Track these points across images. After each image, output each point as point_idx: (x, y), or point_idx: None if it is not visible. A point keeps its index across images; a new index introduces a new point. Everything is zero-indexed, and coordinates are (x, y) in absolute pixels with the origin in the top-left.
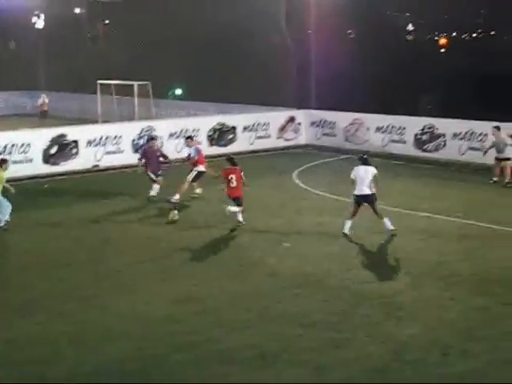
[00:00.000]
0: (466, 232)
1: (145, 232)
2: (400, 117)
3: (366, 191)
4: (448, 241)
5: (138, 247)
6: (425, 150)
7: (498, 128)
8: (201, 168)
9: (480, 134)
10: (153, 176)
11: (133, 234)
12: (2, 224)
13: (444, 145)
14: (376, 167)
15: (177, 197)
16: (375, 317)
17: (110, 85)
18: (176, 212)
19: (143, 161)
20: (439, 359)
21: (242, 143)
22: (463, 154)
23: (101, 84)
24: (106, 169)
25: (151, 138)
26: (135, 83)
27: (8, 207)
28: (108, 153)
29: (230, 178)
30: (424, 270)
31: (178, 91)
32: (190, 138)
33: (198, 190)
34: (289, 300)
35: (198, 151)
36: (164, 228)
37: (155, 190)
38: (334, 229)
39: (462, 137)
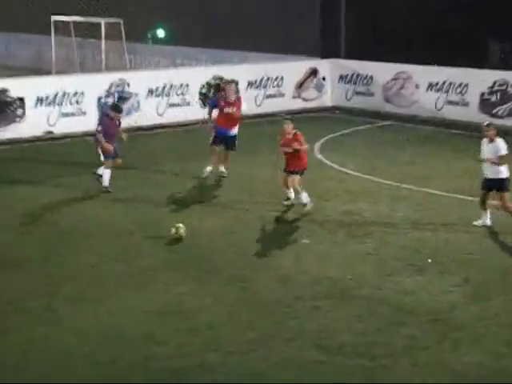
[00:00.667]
0: None
1: (113, 221)
2: (461, 70)
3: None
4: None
5: (104, 242)
6: (494, 115)
7: None
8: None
9: None
10: (106, 157)
11: (97, 223)
12: None
13: None
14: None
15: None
16: (423, 339)
17: (68, 22)
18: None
19: (100, 128)
20: None
21: (245, 103)
22: None
23: (56, 21)
24: (63, 136)
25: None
26: (102, 21)
27: None
28: (65, 115)
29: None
30: (491, 278)
31: (160, 33)
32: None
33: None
34: (306, 315)
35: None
36: (138, 216)
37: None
38: (368, 220)
39: None
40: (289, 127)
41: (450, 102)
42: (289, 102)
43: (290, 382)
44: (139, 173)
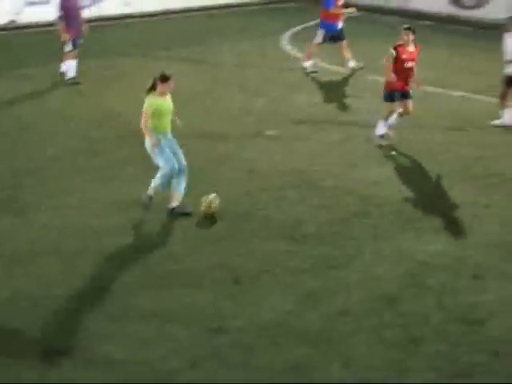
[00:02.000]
0: None
1: (78, 114)
2: None
3: None
4: (488, 130)
5: (69, 135)
6: (463, 6)
7: None
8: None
9: None
10: (69, 47)
11: (62, 116)
12: None
13: None
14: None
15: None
16: (387, 228)
17: None
18: None
19: (60, 14)
20: (469, 283)
21: None
22: None
23: None
24: (27, 26)
25: None
26: None
27: None
28: (29, 3)
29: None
30: (455, 169)
31: None
32: None
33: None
34: (272, 205)
35: None
36: (104, 109)
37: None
38: (334, 112)
39: None
40: (409, 38)
41: None
42: None
43: (255, 272)
44: (104, 63)
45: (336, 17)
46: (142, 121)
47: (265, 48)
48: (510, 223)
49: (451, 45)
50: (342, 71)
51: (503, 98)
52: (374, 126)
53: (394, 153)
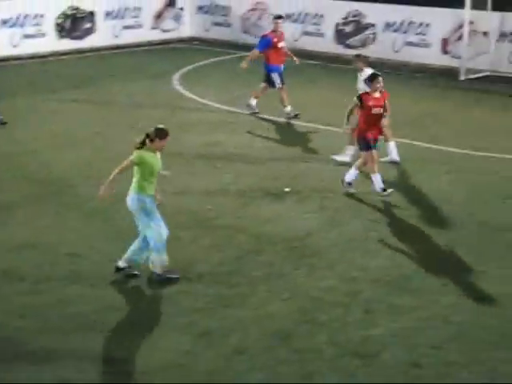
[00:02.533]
0: (401, 153)
1: None
2: (316, 0)
3: None
4: (380, 164)
5: None
6: (349, 46)
7: None
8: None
9: (420, 25)
10: None
11: None
12: None
13: (374, 38)
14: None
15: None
16: (280, 266)
17: None
18: None
19: None
20: (360, 318)
21: (103, 35)
22: (397, 51)
23: None
24: None
25: None
26: None
27: None
28: None
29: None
30: (344, 204)
31: None
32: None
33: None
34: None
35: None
36: None
37: None
38: (227, 151)
39: (397, 28)
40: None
41: (307, 33)
42: (147, 33)
43: (151, 312)
44: None
45: (281, 59)
46: (118, 169)
47: (156, 88)
48: (399, 257)
49: (338, 84)
50: (234, 110)
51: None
52: (264, 164)
53: (287, 190)
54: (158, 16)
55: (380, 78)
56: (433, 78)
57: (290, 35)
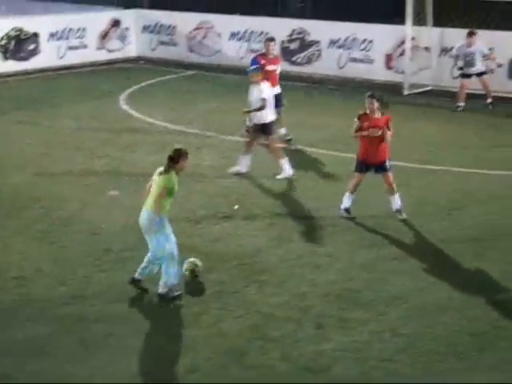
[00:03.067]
0: (349, 168)
1: None
2: (261, 18)
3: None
4: (326, 179)
5: None
6: (294, 63)
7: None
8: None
9: (364, 41)
10: None
11: None
12: None
13: (319, 55)
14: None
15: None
16: (231, 283)
17: None
18: None
19: None
20: (312, 333)
21: (48, 56)
22: (342, 67)
23: None
24: None
25: None
26: None
27: None
28: None
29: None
30: (292, 221)
31: None
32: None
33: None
34: (117, 266)
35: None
36: None
37: None
38: None
39: (341, 44)
40: (374, 106)
41: (252, 51)
42: (93, 54)
43: (101, 334)
44: None
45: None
46: (157, 198)
47: (103, 108)
48: (348, 271)
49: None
50: (182, 129)
51: (249, 145)
52: (212, 181)
53: (236, 207)
54: (104, 36)
55: (371, 99)
56: None
57: (236, 53)
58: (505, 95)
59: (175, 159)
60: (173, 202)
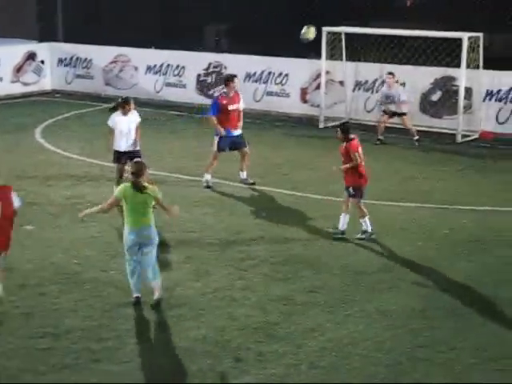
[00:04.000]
0: (264, 202)
1: None
2: (178, 52)
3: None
4: (241, 214)
5: None
6: (211, 96)
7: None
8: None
9: (280, 75)
10: None
11: None
12: None
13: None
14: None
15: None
16: (149, 318)
17: None
18: None
19: None
20: (231, 366)
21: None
22: (258, 100)
23: None
24: None
25: None
26: None
27: None
28: None
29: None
30: (210, 253)
31: None
32: None
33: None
34: (32, 302)
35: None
36: None
37: None
38: (92, 203)
39: (257, 78)
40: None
41: (169, 84)
42: (8, 87)
43: (15, 370)
44: None
45: (229, 123)
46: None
47: (18, 142)
48: (265, 304)
49: (201, 134)
50: (98, 162)
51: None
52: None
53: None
54: (18, 69)
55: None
56: (293, 127)
57: (152, 87)
58: (418, 128)
59: (142, 174)
60: (82, 235)
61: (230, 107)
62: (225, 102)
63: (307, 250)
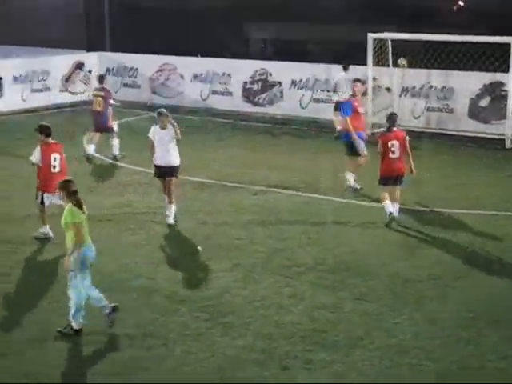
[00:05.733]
0: (310, 209)
1: None
2: (224, 60)
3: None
4: (288, 221)
5: None
6: (256, 104)
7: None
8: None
9: (326, 81)
10: None
11: None
12: None
13: (281, 96)
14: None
15: None
16: (195, 326)
17: None
18: None
19: None
20: (278, 374)
21: (10, 99)
22: (305, 107)
23: None
24: None
25: None
26: None
27: None
28: None
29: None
30: (257, 261)
31: None
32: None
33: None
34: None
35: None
36: None
37: None
38: (139, 211)
39: (304, 85)
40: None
41: (215, 92)
42: (56, 96)
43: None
44: None
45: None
46: None
47: (66, 150)
48: (312, 312)
49: (247, 141)
50: (142, 170)
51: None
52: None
53: (200, 248)
54: (67, 79)
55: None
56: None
57: (199, 95)
58: (467, 134)
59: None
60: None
61: (360, 110)
62: (356, 104)
63: (354, 257)
